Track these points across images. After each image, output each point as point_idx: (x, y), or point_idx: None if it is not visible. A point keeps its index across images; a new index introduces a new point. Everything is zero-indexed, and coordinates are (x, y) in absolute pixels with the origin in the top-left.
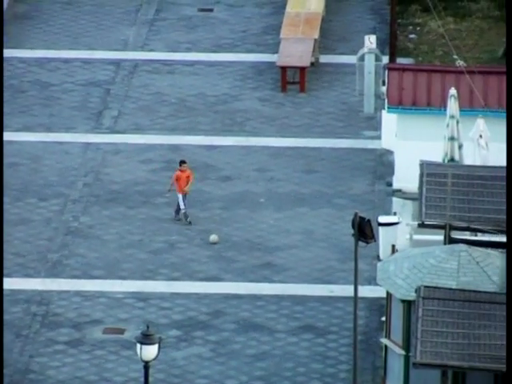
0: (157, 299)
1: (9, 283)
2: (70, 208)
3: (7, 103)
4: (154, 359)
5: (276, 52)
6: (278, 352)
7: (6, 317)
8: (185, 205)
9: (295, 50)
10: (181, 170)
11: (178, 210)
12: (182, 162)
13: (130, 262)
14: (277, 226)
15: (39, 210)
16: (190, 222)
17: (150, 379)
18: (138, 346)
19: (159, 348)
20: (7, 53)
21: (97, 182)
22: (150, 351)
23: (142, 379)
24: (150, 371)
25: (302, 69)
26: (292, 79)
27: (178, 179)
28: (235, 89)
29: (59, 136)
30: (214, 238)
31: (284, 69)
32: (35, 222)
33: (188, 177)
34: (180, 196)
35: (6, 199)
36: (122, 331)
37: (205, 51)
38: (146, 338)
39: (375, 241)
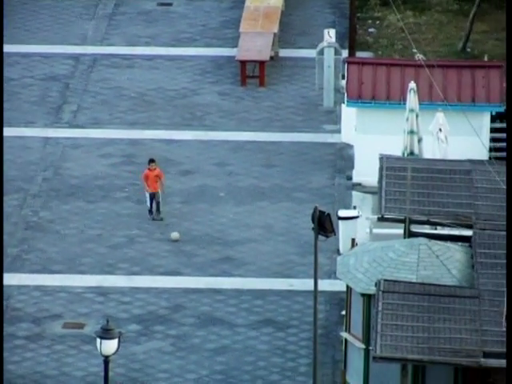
0: (117, 294)
1: None
2: (29, 203)
3: None
4: (114, 354)
5: (235, 46)
6: (239, 346)
7: None
8: (156, 203)
9: (254, 44)
10: (149, 169)
11: (150, 209)
12: (151, 161)
13: (89, 256)
14: (236, 220)
15: None
16: (161, 219)
17: (110, 374)
18: (98, 340)
19: (119, 342)
20: None
21: (56, 177)
22: (109, 346)
23: (102, 374)
24: (110, 366)
25: (262, 63)
26: (251, 73)
27: (146, 178)
28: (195, 83)
29: (19, 130)
30: (175, 235)
31: (243, 63)
32: None
33: (157, 176)
34: (147, 195)
35: None
36: (81, 326)
37: (164, 45)
38: (105, 333)
39: (335, 235)
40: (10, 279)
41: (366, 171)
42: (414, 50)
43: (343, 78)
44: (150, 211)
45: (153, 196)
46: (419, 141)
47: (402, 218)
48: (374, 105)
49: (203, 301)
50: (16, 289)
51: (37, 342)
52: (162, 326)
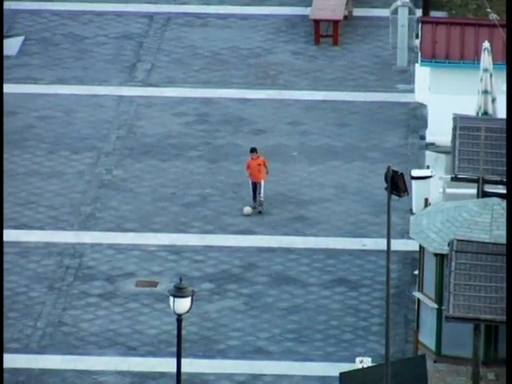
0: (190, 252)
1: (42, 236)
2: (103, 161)
3: (41, 56)
4: (187, 312)
5: (309, 5)
6: (311, 305)
7: (39, 269)
8: (258, 194)
9: (328, 3)
10: (252, 158)
11: (254, 197)
12: (253, 150)
13: (162, 215)
14: (310, 179)
15: (72, 162)
16: (259, 211)
17: (183, 332)
18: (171, 298)
19: (192, 301)
20: (40, 5)
21: (130, 135)
22: (182, 304)
23: (175, 332)
24: (183, 324)
25: (336, 22)
26: (325, 32)
27: (248, 167)
28: (268, 42)
29: (92, 89)
30: (247, 209)
31: (317, 22)
32: (68, 174)
33: (259, 165)
34: (250, 184)
35: (39, 152)
36: (155, 284)
37: (238, 4)
38: (178, 291)
39: (408, 194)
40: (83, 237)
41: (440, 131)
42: (488, 10)
43: (417, 37)
44: (254, 199)
45: (255, 186)
46: (493, 101)
47: (476, 177)
48: (448, 64)
49: (276, 260)
50: (89, 247)
51: (110, 300)
52: (235, 284)
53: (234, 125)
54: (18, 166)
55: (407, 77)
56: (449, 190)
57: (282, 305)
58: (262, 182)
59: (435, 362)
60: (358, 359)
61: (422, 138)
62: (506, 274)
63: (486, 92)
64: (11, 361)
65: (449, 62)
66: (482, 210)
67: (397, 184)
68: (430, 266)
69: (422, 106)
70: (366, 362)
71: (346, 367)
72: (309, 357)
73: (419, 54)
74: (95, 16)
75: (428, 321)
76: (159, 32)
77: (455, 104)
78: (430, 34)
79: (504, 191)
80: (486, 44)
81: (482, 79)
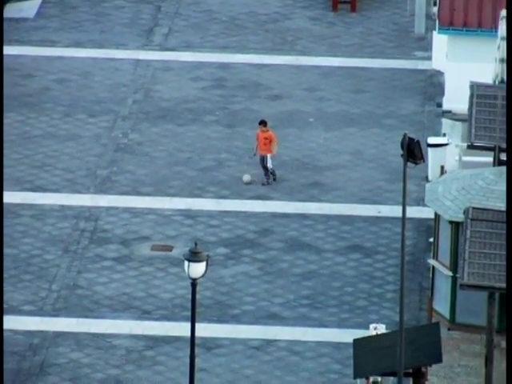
0: (205, 217)
1: (58, 199)
2: (119, 124)
3: (58, 18)
4: (202, 277)
5: None
6: (326, 271)
7: (54, 232)
8: (263, 168)
9: None
10: (261, 130)
11: (264, 171)
12: (262, 123)
13: (178, 179)
14: (326, 145)
15: (88, 126)
16: (266, 183)
17: (198, 296)
18: (186, 263)
19: (207, 265)
20: None
21: (147, 99)
22: (197, 269)
23: (189, 296)
24: (198, 288)
25: None
26: None
27: (257, 138)
28: (286, 7)
29: (110, 52)
30: (246, 177)
31: None
32: (84, 138)
33: (266, 138)
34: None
35: (55, 115)
36: (170, 248)
37: None
38: (193, 256)
39: (424, 162)
40: (99, 201)
41: (456, 98)
42: None
43: (435, 4)
44: (265, 174)
45: (262, 158)
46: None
47: (492, 146)
48: (466, 32)
49: (291, 225)
50: (105, 210)
51: (125, 263)
52: (250, 249)
53: (250, 90)
54: (34, 128)
55: (425, 44)
56: (465, 158)
57: (296, 270)
58: (268, 156)
59: (449, 329)
60: (372, 326)
61: (439, 105)
62: (506, 274)
63: (503, 60)
64: (25, 323)
65: (466, 30)
66: (498, 178)
67: (413, 151)
68: (445, 234)
69: (439, 73)
70: (380, 328)
71: (360, 334)
72: (323, 323)
73: (437, 22)
74: None
75: (442, 288)
76: None
77: (472, 72)
78: (448, 2)
79: None
80: (504, 12)
81: (499, 47)
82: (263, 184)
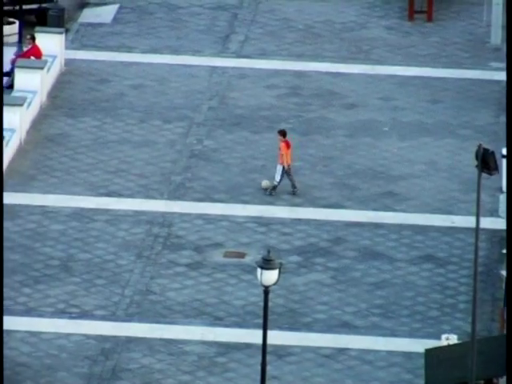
0: (278, 224)
1: (132, 204)
2: (194, 131)
3: (135, 24)
4: (274, 284)
5: None
6: (398, 281)
7: (128, 237)
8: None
9: None
10: (280, 140)
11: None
12: (280, 133)
13: (252, 186)
14: (400, 155)
15: (163, 132)
16: (268, 192)
17: (270, 304)
18: (259, 270)
19: (279, 273)
20: None
21: (222, 106)
22: (270, 276)
23: (262, 304)
24: (270, 296)
25: None
26: (419, 8)
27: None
28: (362, 17)
29: (186, 59)
30: (265, 183)
31: None
32: (159, 144)
33: (280, 149)
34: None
35: (131, 120)
36: (242, 255)
37: None
38: (266, 263)
39: (498, 173)
40: (172, 207)
41: None
42: None
43: None
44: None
45: (282, 169)
46: None
47: None
48: None
49: (364, 234)
50: (178, 216)
51: (197, 269)
52: (323, 258)
53: (325, 98)
54: (109, 133)
55: (500, 55)
56: None
57: (369, 280)
58: (278, 167)
59: None
60: (443, 336)
61: None
62: (506, 274)
63: None
64: (98, 328)
65: None
66: None
67: (487, 162)
68: None
69: None
70: (452, 339)
71: (432, 344)
72: (394, 332)
73: None
74: None
75: None
76: (254, 4)
77: None
78: None
79: None
80: None
81: None
82: (293, 193)
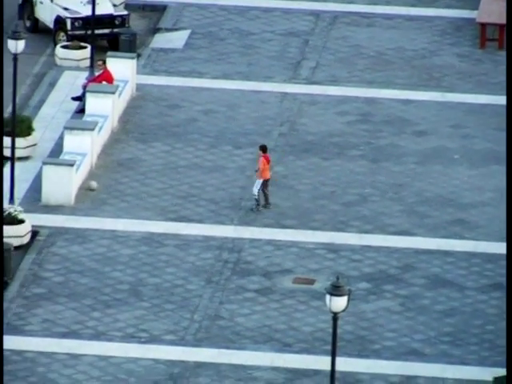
0: (347, 251)
1: (201, 229)
2: None
3: (206, 50)
4: (343, 311)
5: (476, 8)
6: (467, 309)
7: (197, 263)
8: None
9: (496, 7)
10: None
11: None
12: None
13: (322, 212)
14: (470, 182)
15: (234, 157)
16: (255, 209)
17: (338, 330)
18: (328, 296)
19: (348, 300)
20: (208, 0)
21: (292, 132)
22: (339, 302)
23: (330, 330)
24: (339, 322)
25: (502, 26)
26: (491, 36)
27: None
28: (434, 44)
29: (256, 85)
30: (93, 184)
31: (484, 25)
32: (229, 169)
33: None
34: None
35: (201, 146)
36: (312, 281)
37: (404, 5)
38: (335, 289)
39: None
40: (242, 232)
41: None
42: None
43: None
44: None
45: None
46: None
47: None
48: None
49: (434, 262)
50: (248, 242)
51: (267, 295)
52: (392, 285)
53: (396, 125)
54: (179, 158)
55: None
56: None
57: (438, 307)
58: (256, 182)
59: None
60: None
61: None
62: (506, 276)
63: None
64: (167, 353)
65: None
66: None
67: None
68: None
69: None
70: None
71: (500, 372)
72: (463, 360)
73: None
74: (262, 12)
75: None
76: (325, 30)
77: None
78: None
79: None
80: None
81: None
82: (252, 209)
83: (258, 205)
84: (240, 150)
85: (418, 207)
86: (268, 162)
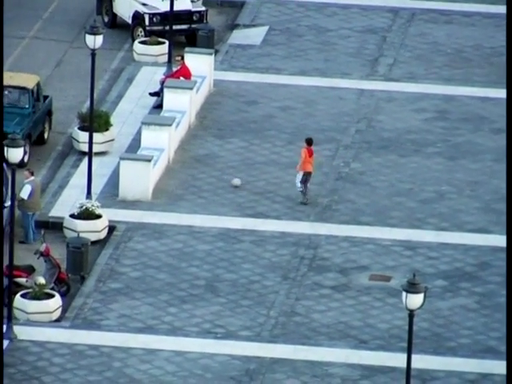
0: (424, 248)
1: (278, 226)
2: (341, 153)
3: (284, 46)
4: (419, 308)
5: None
6: None
7: (274, 259)
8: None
9: None
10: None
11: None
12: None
13: (399, 210)
14: None
15: None
16: (304, 201)
17: (414, 328)
18: (404, 294)
19: (425, 297)
20: None
21: (369, 129)
22: (415, 300)
23: (406, 327)
24: (415, 320)
25: None
26: None
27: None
28: None
29: (334, 81)
30: (236, 181)
31: None
32: None
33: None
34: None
35: (278, 142)
36: (388, 278)
37: (483, 2)
38: (412, 287)
39: None
40: (319, 229)
41: None
42: None
43: None
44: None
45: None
46: None
47: None
48: None
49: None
50: (324, 239)
51: (343, 292)
52: (468, 282)
53: (474, 123)
54: (257, 155)
55: None
56: None
57: None
58: (297, 174)
59: None
60: None
61: None
62: (506, 277)
63: None
64: (243, 348)
65: None
66: None
67: None
68: None
69: None
70: None
71: None
72: None
73: None
74: (340, 9)
75: None
76: (403, 27)
77: None
78: None
79: None
80: None
81: None
82: (301, 203)
83: (305, 196)
84: (317, 147)
85: (494, 204)
86: (311, 155)
